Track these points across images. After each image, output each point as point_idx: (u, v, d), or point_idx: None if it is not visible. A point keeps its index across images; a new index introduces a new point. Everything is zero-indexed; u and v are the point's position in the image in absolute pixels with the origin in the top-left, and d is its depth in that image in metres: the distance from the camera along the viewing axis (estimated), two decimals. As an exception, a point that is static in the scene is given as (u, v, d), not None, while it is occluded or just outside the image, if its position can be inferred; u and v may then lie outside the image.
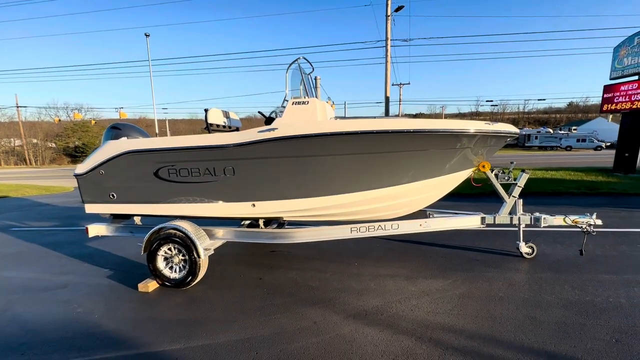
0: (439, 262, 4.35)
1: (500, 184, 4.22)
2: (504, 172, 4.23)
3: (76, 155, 43.00)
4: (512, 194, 4.21)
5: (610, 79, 12.90)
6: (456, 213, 4.51)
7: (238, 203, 3.81)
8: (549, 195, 9.03)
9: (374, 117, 3.64)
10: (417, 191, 3.89)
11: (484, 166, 4.08)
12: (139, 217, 4.46)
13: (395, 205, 4.01)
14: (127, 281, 4.03)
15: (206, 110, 4.18)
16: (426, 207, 4.51)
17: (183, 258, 3.77)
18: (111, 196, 4.01)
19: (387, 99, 16.37)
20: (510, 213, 4.26)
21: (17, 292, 3.87)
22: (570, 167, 14.84)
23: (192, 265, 3.68)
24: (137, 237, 4.09)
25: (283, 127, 3.47)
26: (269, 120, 3.88)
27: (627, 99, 12.05)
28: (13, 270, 4.63)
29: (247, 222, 4.80)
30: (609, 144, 39.99)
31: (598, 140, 39.80)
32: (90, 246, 5.52)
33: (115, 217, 4.40)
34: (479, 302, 3.25)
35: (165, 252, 3.81)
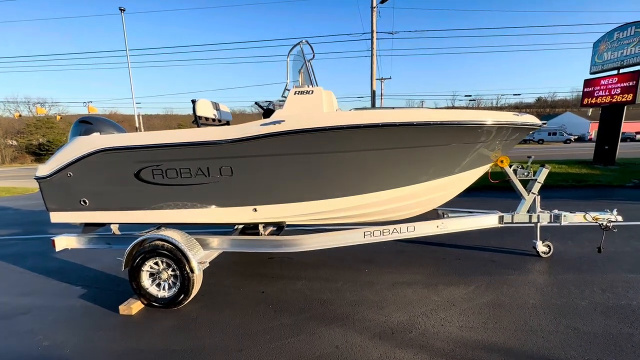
0: (455, 265, 4.04)
1: (519, 180, 3.96)
2: (523, 168, 3.97)
3: (40, 153, 40.07)
4: (532, 191, 3.96)
5: (590, 73, 13.19)
6: (471, 212, 4.21)
7: (237, 207, 3.31)
8: (541, 188, 9.02)
9: (393, 108, 3.25)
10: (435, 189, 3.55)
11: (502, 161, 3.80)
12: (117, 226, 3.86)
13: (411, 205, 3.65)
14: (105, 301, 3.44)
15: (194, 102, 3.60)
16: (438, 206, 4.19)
17: (173, 273, 3.23)
18: (82, 202, 3.39)
19: (373, 93, 16.07)
20: (528, 211, 4.01)
21: (-33, 321, 3.19)
22: (552, 160, 15.18)
23: (184, 282, 3.15)
24: (116, 250, 3.50)
25: (290, 120, 2.99)
26: (267, 112, 3.39)
27: (607, 93, 12.35)
28: (-38, 291, 3.89)
29: (240, 227, 4.29)
30: (576, 137, 42.09)
31: (567, 134, 41.76)
32: (59, 258, 4.80)
33: (88, 226, 3.77)
34: (512, 312, 2.95)
35: (151, 267, 3.25)
